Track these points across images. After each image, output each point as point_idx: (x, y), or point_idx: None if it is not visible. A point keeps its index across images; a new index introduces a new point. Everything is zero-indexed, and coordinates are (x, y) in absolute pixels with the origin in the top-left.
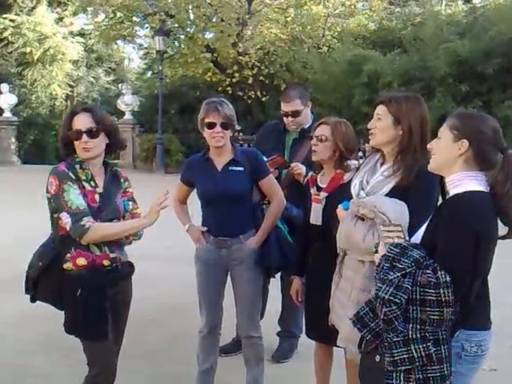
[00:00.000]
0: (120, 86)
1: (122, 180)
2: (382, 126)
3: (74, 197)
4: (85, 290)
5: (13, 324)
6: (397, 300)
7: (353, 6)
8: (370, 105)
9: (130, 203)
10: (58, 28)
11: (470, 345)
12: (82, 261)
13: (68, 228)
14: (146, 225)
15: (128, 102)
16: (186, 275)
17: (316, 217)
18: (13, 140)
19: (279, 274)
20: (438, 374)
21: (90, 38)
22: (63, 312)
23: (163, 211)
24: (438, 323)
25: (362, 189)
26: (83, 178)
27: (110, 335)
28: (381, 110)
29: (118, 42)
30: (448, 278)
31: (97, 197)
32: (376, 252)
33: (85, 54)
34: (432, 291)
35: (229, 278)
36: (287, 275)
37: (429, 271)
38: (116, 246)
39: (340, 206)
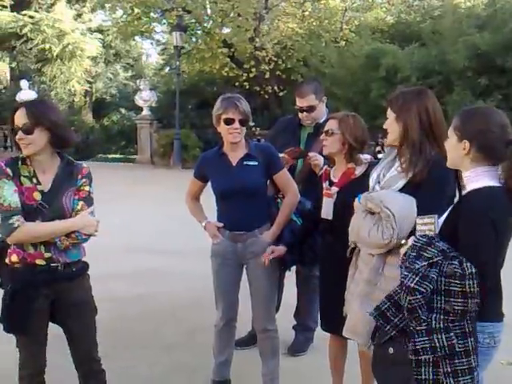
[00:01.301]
0: (138, 81)
1: (79, 177)
2: (389, 123)
3: (8, 193)
4: (14, 285)
5: None
6: (422, 289)
7: (371, 0)
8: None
9: (80, 203)
10: (76, 24)
11: (483, 336)
12: (14, 257)
13: None
14: (73, 226)
15: (146, 98)
16: (203, 269)
17: (327, 211)
18: None
19: (294, 267)
20: (466, 367)
21: (108, 35)
22: None
23: (179, 206)
24: (461, 314)
25: (379, 182)
26: (25, 174)
27: (31, 333)
28: (388, 109)
29: (136, 37)
30: (473, 270)
31: (36, 194)
32: (405, 244)
33: (103, 50)
34: (457, 282)
35: (244, 271)
36: (303, 269)
37: (455, 262)
38: (54, 246)
39: (357, 200)
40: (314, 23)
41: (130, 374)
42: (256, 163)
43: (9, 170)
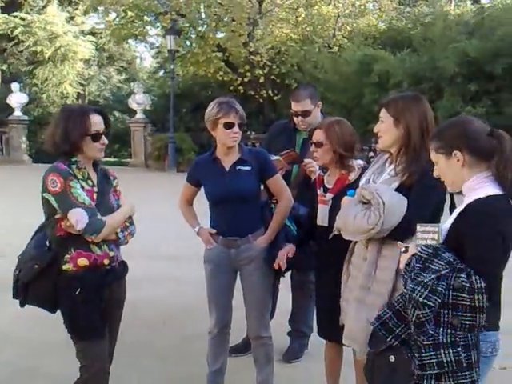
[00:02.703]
0: (132, 84)
1: (111, 178)
2: (385, 128)
3: (82, 193)
4: (84, 290)
5: (15, 324)
6: (431, 303)
7: (363, 6)
8: None
9: (120, 202)
10: (68, 27)
11: (486, 346)
12: (83, 261)
13: (82, 225)
14: (128, 211)
15: (140, 101)
16: (197, 275)
17: (323, 218)
18: (24, 139)
19: (289, 273)
20: (469, 380)
21: (102, 37)
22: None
23: (173, 211)
24: (469, 328)
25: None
26: (80, 177)
27: (105, 336)
28: (382, 113)
29: (130, 41)
30: (483, 284)
31: (95, 196)
32: (405, 252)
33: (96, 53)
34: (466, 296)
35: (238, 278)
36: (297, 274)
37: (463, 275)
38: (114, 244)
39: (345, 197)
40: (308, 29)
41: (121, 383)
42: (249, 168)
43: (72, 172)
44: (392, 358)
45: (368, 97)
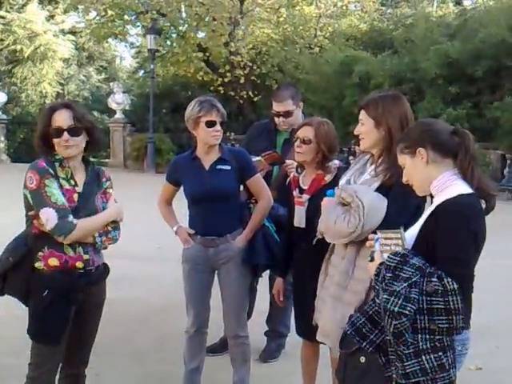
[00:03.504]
0: (111, 84)
1: (103, 180)
2: (365, 130)
3: (57, 192)
4: (51, 292)
5: (1, 324)
6: (407, 312)
7: (345, 7)
8: None
9: (109, 205)
10: (48, 26)
11: (456, 344)
12: (54, 261)
13: (51, 225)
14: (112, 215)
15: (119, 101)
16: (175, 275)
17: (300, 219)
18: (2, 138)
19: (268, 273)
20: (447, 381)
21: (81, 36)
22: None
23: (152, 212)
24: (447, 331)
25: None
26: (62, 176)
27: (62, 341)
28: (362, 115)
29: (110, 40)
30: (455, 286)
31: (75, 196)
32: (371, 260)
33: (76, 53)
34: (440, 299)
35: (216, 278)
36: (275, 274)
37: (434, 279)
38: (91, 247)
39: (325, 197)
40: (289, 29)
41: (99, 382)
42: (229, 167)
43: (51, 171)
44: (363, 359)
45: (348, 98)
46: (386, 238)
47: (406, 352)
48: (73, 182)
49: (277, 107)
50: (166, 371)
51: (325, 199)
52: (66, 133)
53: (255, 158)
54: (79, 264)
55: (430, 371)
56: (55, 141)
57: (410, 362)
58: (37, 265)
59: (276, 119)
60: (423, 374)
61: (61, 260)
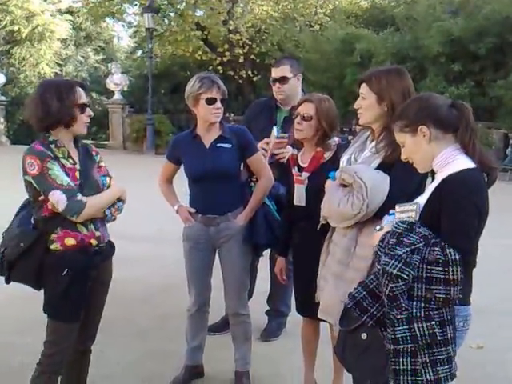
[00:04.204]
0: (109, 65)
1: (94, 154)
2: (367, 105)
3: (61, 174)
4: (71, 271)
5: (2, 303)
6: (405, 276)
7: None
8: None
9: (107, 178)
10: (45, 5)
11: (458, 320)
12: (70, 241)
13: (62, 206)
14: (118, 192)
15: (117, 82)
16: (176, 255)
17: (300, 198)
18: (1, 120)
19: (268, 252)
20: (445, 356)
21: (79, 16)
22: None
23: (152, 193)
24: (443, 302)
25: (350, 165)
26: (60, 155)
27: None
28: (364, 88)
29: (107, 19)
30: (457, 257)
31: (77, 174)
32: (380, 229)
33: (73, 33)
34: (440, 269)
35: (217, 257)
36: (276, 253)
37: (437, 248)
38: (101, 223)
39: (329, 180)
40: (289, 6)
41: (102, 360)
42: (229, 146)
43: (50, 153)
44: (364, 336)
45: (349, 77)
46: (401, 212)
47: (399, 317)
48: (72, 161)
49: (274, 73)
50: (169, 349)
51: (328, 181)
52: (88, 108)
53: (281, 135)
54: (93, 241)
55: (420, 339)
56: (79, 116)
57: (400, 328)
58: (52, 246)
59: (273, 88)
60: (413, 340)
61: (77, 239)
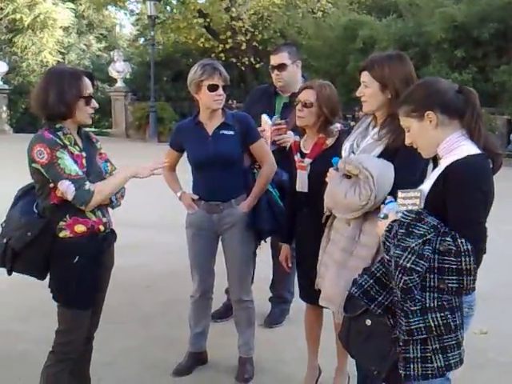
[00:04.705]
0: (112, 53)
1: (94, 141)
2: (370, 93)
3: (70, 163)
4: (82, 258)
5: (4, 291)
6: (419, 268)
7: None
8: None
9: (108, 164)
10: None
11: (463, 306)
12: (81, 228)
13: (71, 196)
14: (129, 175)
15: (120, 69)
16: (179, 242)
17: (302, 184)
18: (4, 108)
19: (269, 240)
20: (455, 342)
21: (81, 4)
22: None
23: (155, 180)
24: (456, 292)
25: (353, 152)
26: (68, 143)
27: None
28: (365, 76)
29: (109, 7)
30: (469, 246)
31: (84, 161)
32: (384, 217)
33: (76, 21)
34: (452, 259)
35: (220, 244)
36: (277, 241)
37: (448, 238)
38: (106, 210)
39: (331, 169)
40: None
41: (106, 346)
42: (232, 132)
43: (59, 141)
44: (368, 322)
45: (352, 63)
46: (405, 198)
47: (413, 309)
48: (78, 148)
49: (272, 60)
50: (172, 335)
51: (330, 170)
52: (93, 100)
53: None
54: (101, 227)
55: (434, 329)
56: (84, 108)
57: (415, 319)
58: (61, 234)
59: (272, 75)
60: (427, 331)
61: (87, 225)
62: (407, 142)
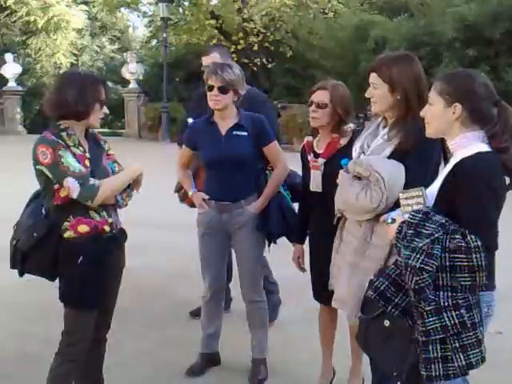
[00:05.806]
0: (125, 54)
1: (102, 142)
2: (379, 94)
3: (73, 161)
4: (86, 258)
5: (15, 291)
6: (428, 268)
7: None
8: None
9: (116, 165)
10: None
11: (482, 305)
12: (84, 228)
13: (77, 192)
14: (134, 172)
15: (133, 71)
16: (191, 242)
17: (316, 184)
18: (18, 110)
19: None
20: (474, 340)
21: (94, 6)
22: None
23: (168, 181)
24: (470, 289)
25: (363, 152)
26: (71, 144)
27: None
28: (374, 78)
29: (122, 9)
30: (479, 243)
31: (87, 162)
32: (392, 222)
33: (89, 23)
34: (463, 256)
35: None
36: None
37: (457, 236)
38: (113, 210)
39: (341, 171)
40: None
41: (118, 348)
42: (245, 133)
43: (61, 141)
44: (387, 323)
45: (364, 63)
46: (407, 198)
47: (427, 309)
48: (82, 149)
49: (204, 61)
50: (184, 336)
51: (341, 172)
52: (105, 106)
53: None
54: (106, 227)
55: (451, 329)
56: (98, 111)
57: (430, 319)
58: (66, 235)
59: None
60: (444, 331)
61: (90, 226)
62: (422, 113)
